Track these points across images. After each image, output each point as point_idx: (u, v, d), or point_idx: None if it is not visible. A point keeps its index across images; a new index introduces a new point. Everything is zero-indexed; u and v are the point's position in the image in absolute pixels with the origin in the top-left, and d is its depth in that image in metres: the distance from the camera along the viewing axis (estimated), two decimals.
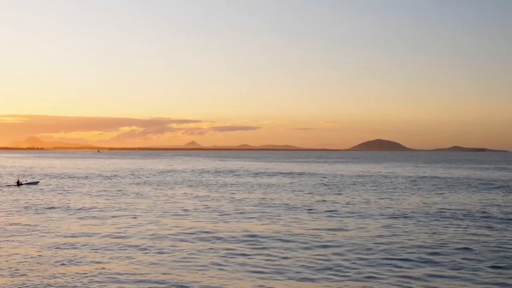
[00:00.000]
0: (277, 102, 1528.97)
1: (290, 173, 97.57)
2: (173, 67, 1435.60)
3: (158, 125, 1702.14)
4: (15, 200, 46.20)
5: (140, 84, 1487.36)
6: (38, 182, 65.69)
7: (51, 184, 65.14)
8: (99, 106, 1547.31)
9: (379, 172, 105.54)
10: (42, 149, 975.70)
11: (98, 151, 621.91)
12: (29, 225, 31.30)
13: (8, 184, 64.39)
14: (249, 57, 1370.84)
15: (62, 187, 60.43)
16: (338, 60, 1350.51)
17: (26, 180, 66.79)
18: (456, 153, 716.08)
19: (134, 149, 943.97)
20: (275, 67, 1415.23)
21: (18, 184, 62.51)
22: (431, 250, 24.06)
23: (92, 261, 21.60)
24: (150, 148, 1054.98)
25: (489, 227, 31.05)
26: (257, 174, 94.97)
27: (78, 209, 38.94)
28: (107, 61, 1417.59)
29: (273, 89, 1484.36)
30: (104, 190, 56.08)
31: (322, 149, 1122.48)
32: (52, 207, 40.22)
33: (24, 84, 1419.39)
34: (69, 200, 45.47)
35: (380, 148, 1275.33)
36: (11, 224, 31.52)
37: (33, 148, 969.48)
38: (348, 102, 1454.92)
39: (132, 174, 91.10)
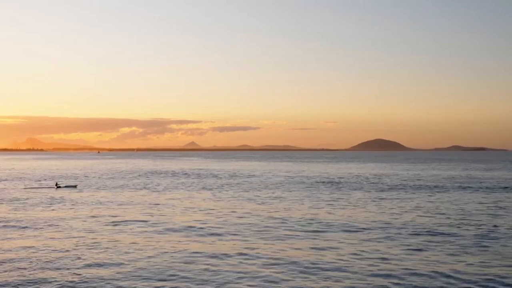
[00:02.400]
0: (277, 102, 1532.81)
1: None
2: (173, 67, 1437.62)
3: (158, 125, 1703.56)
4: (58, 202, 46.59)
5: (140, 85, 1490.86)
6: (76, 185, 66.19)
7: (89, 187, 65.21)
8: (99, 107, 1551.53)
9: (352, 172, 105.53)
10: (42, 150, 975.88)
11: (98, 152, 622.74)
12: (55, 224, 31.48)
13: (46, 187, 65.06)
14: (249, 57, 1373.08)
15: (101, 191, 60.04)
16: (338, 60, 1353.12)
17: (62, 183, 67.88)
18: (456, 152, 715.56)
19: (133, 149, 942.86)
20: (275, 67, 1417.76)
21: (57, 186, 63.21)
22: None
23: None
24: (150, 149, 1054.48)
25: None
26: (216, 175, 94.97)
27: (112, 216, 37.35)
28: (106, 61, 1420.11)
29: (273, 89, 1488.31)
30: (142, 195, 54.55)
31: (322, 149, 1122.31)
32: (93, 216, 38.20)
33: (23, 85, 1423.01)
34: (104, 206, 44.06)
35: (380, 148, 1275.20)
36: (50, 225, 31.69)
37: (33, 149, 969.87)
38: (348, 102, 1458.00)
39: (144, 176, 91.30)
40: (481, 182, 72.66)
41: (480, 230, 30.54)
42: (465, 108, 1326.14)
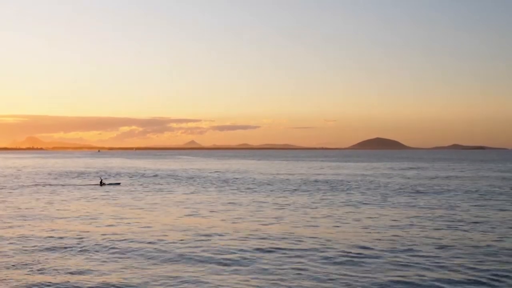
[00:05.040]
0: (277, 101, 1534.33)
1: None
2: (172, 66, 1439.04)
3: (158, 124, 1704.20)
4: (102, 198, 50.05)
5: (140, 84, 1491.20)
6: (120, 183, 68.98)
7: (132, 185, 68.68)
8: (99, 106, 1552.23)
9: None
10: (41, 149, 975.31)
11: (99, 151, 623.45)
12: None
13: (91, 184, 68.71)
14: (249, 56, 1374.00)
15: (144, 188, 63.54)
16: (338, 59, 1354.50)
17: (106, 180, 71.45)
18: (455, 151, 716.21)
19: (132, 148, 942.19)
20: (275, 66, 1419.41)
21: (101, 184, 66.25)
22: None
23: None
24: (150, 148, 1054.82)
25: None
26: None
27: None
28: (106, 61, 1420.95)
29: (273, 88, 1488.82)
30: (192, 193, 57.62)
31: (322, 148, 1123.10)
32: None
33: (23, 84, 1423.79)
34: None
35: (380, 146, 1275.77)
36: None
37: (32, 148, 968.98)
38: (348, 101, 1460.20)
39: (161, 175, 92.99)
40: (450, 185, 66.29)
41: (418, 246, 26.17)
42: (465, 107, 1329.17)
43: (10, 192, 56.76)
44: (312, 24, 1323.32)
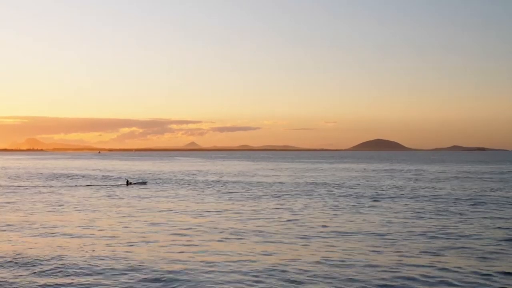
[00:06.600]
0: (277, 102, 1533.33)
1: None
2: (173, 67, 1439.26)
3: (158, 126, 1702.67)
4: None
5: (140, 85, 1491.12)
6: (146, 182, 70.54)
7: (157, 184, 71.16)
8: (99, 107, 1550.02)
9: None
10: (41, 150, 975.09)
11: (99, 152, 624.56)
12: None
13: (118, 184, 70.93)
14: (249, 57, 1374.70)
15: (170, 188, 65.39)
16: (338, 60, 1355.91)
17: (132, 180, 73.49)
18: (456, 152, 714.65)
19: (131, 150, 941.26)
20: (276, 67, 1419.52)
21: (128, 183, 68.21)
22: None
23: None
24: (150, 149, 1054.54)
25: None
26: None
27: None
28: (107, 62, 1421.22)
29: (274, 89, 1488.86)
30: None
31: (322, 149, 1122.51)
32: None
33: (23, 86, 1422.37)
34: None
35: (380, 147, 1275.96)
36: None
37: (32, 150, 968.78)
38: (348, 102, 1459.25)
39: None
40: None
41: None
42: (465, 108, 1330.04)
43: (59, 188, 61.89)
44: (312, 26, 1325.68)
